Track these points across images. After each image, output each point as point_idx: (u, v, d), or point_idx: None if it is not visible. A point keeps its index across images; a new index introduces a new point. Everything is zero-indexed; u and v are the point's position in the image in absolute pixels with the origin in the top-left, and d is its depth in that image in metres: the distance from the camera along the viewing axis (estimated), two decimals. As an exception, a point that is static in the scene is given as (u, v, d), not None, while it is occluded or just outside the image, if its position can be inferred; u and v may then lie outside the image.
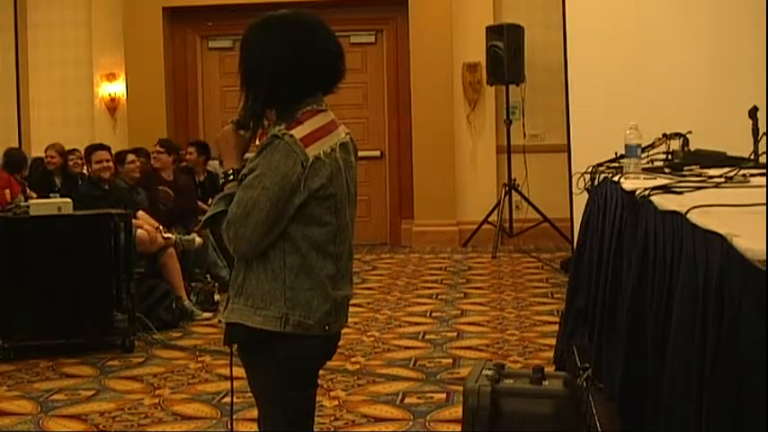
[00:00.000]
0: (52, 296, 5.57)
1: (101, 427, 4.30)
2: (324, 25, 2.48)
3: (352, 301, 2.61)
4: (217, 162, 8.22)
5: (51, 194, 6.75)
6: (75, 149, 8.69)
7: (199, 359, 5.48)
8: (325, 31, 2.47)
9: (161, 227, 6.80)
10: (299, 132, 2.38)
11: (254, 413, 2.61)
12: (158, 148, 7.63)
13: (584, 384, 3.44)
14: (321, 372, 2.66)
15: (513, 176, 9.45)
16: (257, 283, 2.42)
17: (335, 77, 2.50)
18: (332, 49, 2.47)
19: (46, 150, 8.70)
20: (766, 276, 1.46)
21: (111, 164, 6.72)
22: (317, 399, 2.68)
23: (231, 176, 2.47)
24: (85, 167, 7.57)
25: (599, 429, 3.18)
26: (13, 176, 8.20)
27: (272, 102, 2.46)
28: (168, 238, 6.68)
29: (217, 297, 6.85)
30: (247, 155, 2.53)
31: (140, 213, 6.76)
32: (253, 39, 2.46)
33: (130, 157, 7.22)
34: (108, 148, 6.81)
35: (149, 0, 10.18)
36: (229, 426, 4.21)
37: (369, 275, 8.24)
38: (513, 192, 9.40)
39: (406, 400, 4.53)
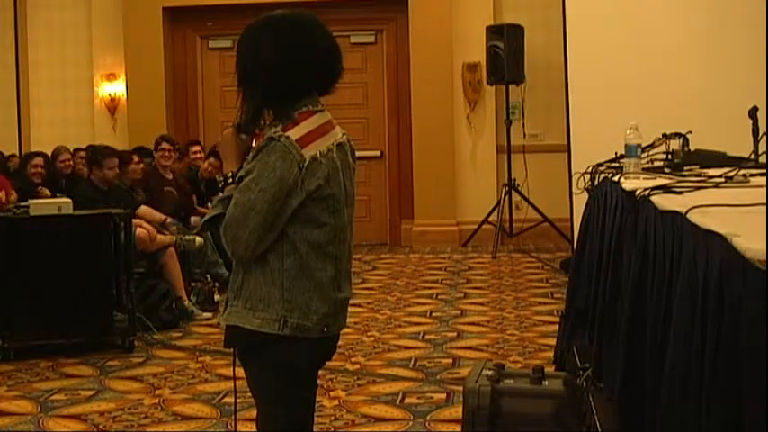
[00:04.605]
0: (52, 296, 5.57)
1: (101, 427, 4.30)
2: (321, 25, 2.48)
3: (352, 301, 2.61)
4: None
5: (58, 195, 6.75)
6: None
7: (199, 359, 5.48)
8: (322, 31, 2.47)
9: (168, 219, 6.83)
10: (295, 133, 2.37)
11: (254, 413, 2.61)
12: (167, 146, 7.59)
13: (584, 384, 3.44)
14: (321, 372, 2.66)
15: (513, 176, 9.45)
16: (255, 285, 2.42)
17: (333, 78, 2.49)
18: (329, 49, 2.47)
19: (59, 155, 8.54)
20: (766, 276, 1.46)
21: (118, 170, 6.70)
22: (317, 399, 2.68)
23: (231, 180, 2.47)
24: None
25: (599, 429, 3.18)
26: (4, 175, 8.02)
27: (268, 102, 2.46)
28: (174, 227, 6.74)
29: (217, 297, 6.86)
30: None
31: (144, 208, 6.77)
32: (249, 39, 2.46)
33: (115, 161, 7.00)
34: (119, 154, 6.79)
35: (149, 0, 10.19)
36: (230, 426, 4.21)
37: (369, 275, 8.24)
38: (513, 192, 9.40)
39: (406, 400, 4.53)
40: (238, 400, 4.34)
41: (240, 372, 2.57)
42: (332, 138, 2.46)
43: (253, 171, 2.35)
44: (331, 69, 2.48)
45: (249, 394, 2.59)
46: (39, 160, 7.88)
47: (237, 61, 2.47)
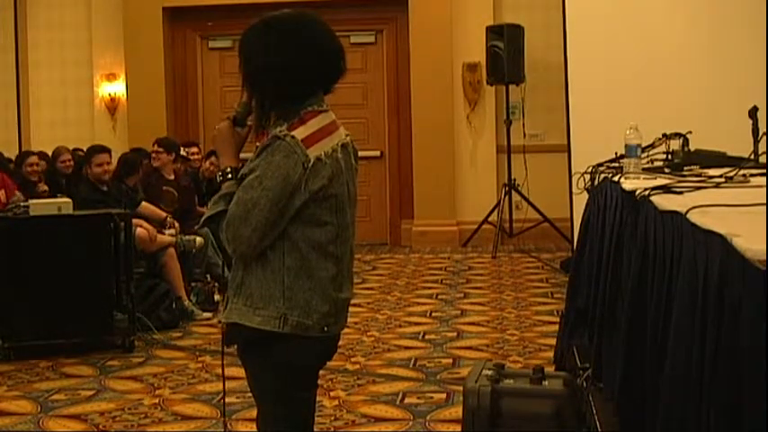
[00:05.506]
0: (52, 296, 5.57)
1: (101, 427, 4.30)
2: (324, 24, 2.48)
3: (352, 301, 2.61)
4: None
5: (58, 195, 6.73)
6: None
7: (199, 359, 5.48)
8: (325, 31, 2.47)
9: (169, 217, 6.83)
10: (300, 133, 2.37)
11: (254, 413, 2.61)
12: (157, 147, 7.62)
13: (584, 384, 3.44)
14: (321, 372, 2.66)
15: (513, 176, 9.45)
16: (256, 283, 2.41)
17: (336, 77, 2.49)
18: (332, 48, 2.47)
19: (59, 156, 8.53)
20: (766, 276, 1.46)
21: (111, 167, 6.70)
22: (317, 399, 2.68)
23: (229, 175, 2.47)
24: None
25: (599, 429, 3.18)
26: (6, 173, 8.00)
27: (273, 103, 2.45)
28: (173, 232, 6.74)
29: (217, 297, 6.86)
30: (243, 155, 2.53)
31: (145, 204, 6.77)
32: (253, 40, 2.45)
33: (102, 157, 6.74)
34: (108, 151, 6.79)
35: (149, 0, 10.19)
36: (224, 426, 4.21)
37: (369, 275, 8.24)
38: (513, 192, 9.40)
39: (406, 400, 4.53)
40: (240, 400, 4.37)
41: (240, 371, 2.56)
42: (336, 138, 2.46)
43: (256, 169, 2.35)
44: (334, 69, 2.48)
45: (249, 394, 2.59)
46: (34, 158, 7.90)
47: (241, 62, 2.46)
